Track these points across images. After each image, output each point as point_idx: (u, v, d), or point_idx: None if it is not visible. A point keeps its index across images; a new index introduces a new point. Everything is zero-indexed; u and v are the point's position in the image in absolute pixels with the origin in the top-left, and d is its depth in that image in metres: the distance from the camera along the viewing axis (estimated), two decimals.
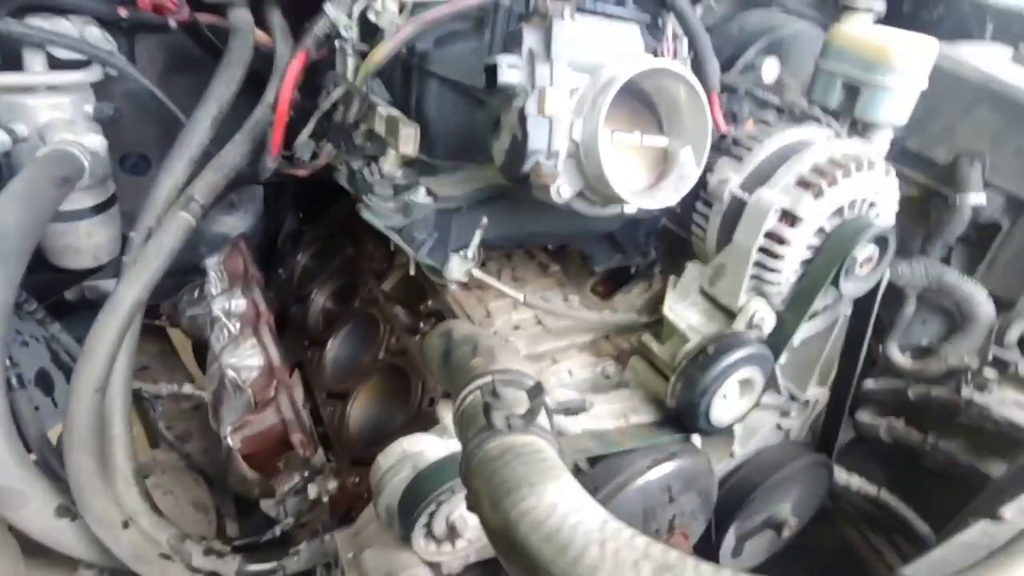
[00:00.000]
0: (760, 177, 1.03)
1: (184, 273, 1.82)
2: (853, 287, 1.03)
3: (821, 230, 1.00)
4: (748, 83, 1.38)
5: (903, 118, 1.36)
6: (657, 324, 1.20)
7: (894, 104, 1.33)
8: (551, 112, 0.82)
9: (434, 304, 1.40)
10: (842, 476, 1.48)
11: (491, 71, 0.82)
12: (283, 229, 2.05)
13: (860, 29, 1.39)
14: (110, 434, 0.92)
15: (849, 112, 1.37)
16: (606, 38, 0.88)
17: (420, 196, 1.06)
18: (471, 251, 1.06)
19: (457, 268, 1.05)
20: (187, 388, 1.84)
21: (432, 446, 0.93)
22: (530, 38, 0.82)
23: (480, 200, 1.09)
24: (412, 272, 1.13)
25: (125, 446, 0.94)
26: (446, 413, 1.01)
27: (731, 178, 1.04)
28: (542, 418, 0.54)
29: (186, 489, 1.34)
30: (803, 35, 1.73)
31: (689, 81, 0.87)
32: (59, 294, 1.60)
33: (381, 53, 1.00)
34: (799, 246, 0.99)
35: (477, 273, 1.07)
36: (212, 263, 1.65)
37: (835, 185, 0.97)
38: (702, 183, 1.08)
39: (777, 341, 1.03)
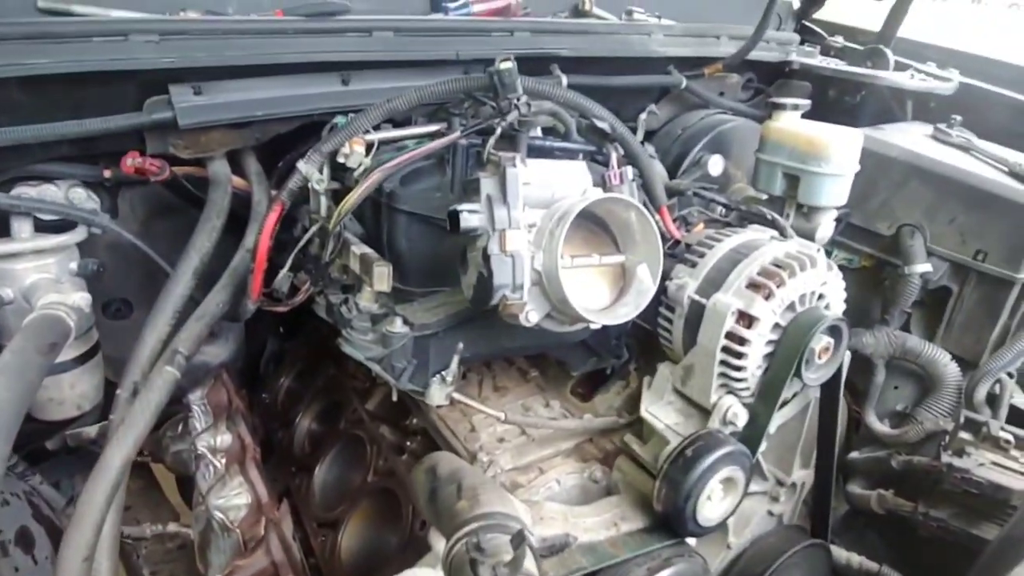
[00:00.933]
0: (714, 282, 1.10)
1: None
2: (815, 376, 1.08)
3: (777, 326, 1.06)
4: (694, 185, 1.49)
5: (842, 199, 1.47)
6: (638, 423, 1.23)
7: (832, 188, 1.45)
8: (512, 250, 0.89)
9: (419, 421, 1.42)
10: (842, 555, 1.47)
11: (454, 218, 0.89)
12: (265, 350, 2.07)
13: (790, 124, 1.53)
14: None
15: (793, 198, 1.48)
16: (556, 176, 0.96)
17: (397, 326, 1.11)
18: (450, 375, 1.09)
19: (438, 393, 1.09)
20: (172, 527, 1.79)
21: None
22: (487, 185, 0.90)
23: (455, 324, 1.14)
24: (395, 398, 1.16)
25: None
26: (438, 540, 1.01)
27: (688, 283, 1.11)
28: (529, 562, 0.56)
29: None
30: (741, 130, 1.88)
31: (636, 206, 0.95)
32: (39, 444, 1.59)
33: (352, 200, 1.07)
34: (759, 343, 1.04)
35: (458, 396, 1.11)
36: (195, 398, 1.65)
37: (783, 286, 1.04)
38: (662, 289, 1.15)
39: (753, 434, 1.07)
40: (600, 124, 1.11)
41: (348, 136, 1.08)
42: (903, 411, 1.67)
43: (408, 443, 1.42)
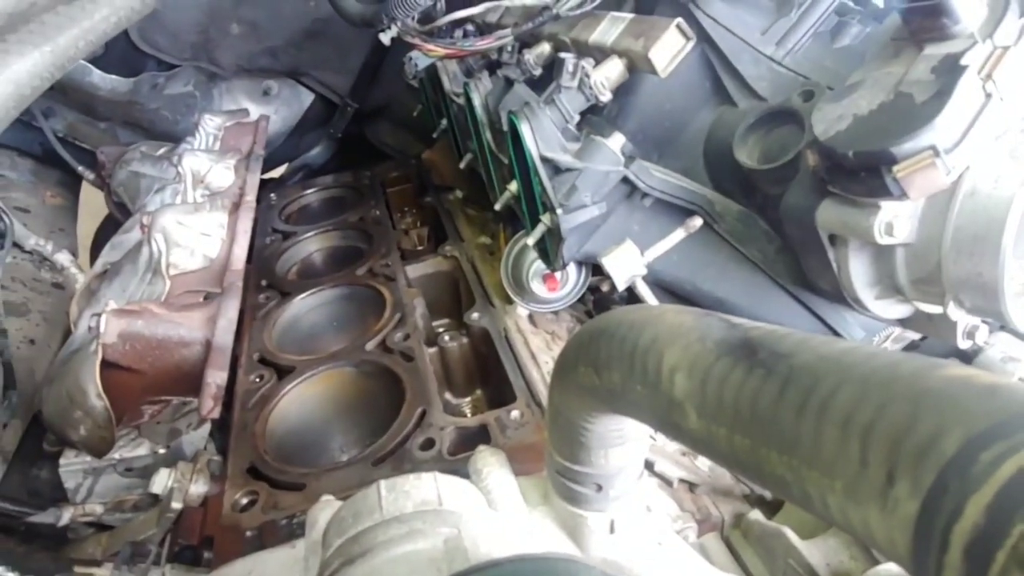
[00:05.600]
0: None
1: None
2: None
3: None
4: None
5: None
6: None
7: None
8: (998, 86, 0.47)
9: (480, 319, 0.96)
10: None
11: None
12: (304, 155, 1.60)
13: None
14: None
15: None
16: None
17: (614, 140, 0.69)
18: (657, 251, 0.66)
19: (627, 259, 0.65)
20: (63, 257, 1.27)
21: (475, 514, 0.46)
22: None
23: (679, 203, 0.71)
24: (498, 207, 0.72)
25: None
26: (494, 467, 0.55)
27: None
28: None
29: None
30: None
31: None
32: None
33: None
34: None
35: (643, 287, 0.66)
36: (210, 120, 1.19)
37: None
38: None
39: None
40: None
41: None
42: None
43: (446, 339, 0.96)
